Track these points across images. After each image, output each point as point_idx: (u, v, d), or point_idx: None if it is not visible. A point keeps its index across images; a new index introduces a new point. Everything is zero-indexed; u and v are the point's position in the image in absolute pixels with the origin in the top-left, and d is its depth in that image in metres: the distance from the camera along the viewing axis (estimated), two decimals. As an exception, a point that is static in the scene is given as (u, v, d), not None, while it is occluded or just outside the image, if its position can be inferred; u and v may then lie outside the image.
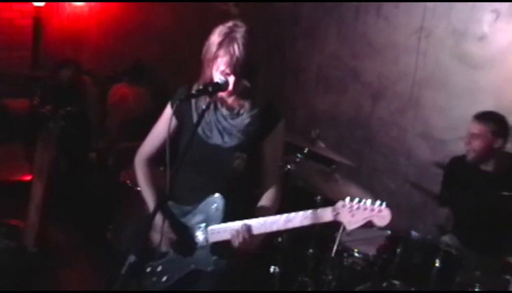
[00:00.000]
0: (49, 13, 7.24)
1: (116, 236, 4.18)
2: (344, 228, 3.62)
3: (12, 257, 3.99)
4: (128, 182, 4.17)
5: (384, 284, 3.27)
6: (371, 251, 3.57)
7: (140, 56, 6.34)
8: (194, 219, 2.48)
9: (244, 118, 2.44)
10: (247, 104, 2.44)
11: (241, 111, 2.45)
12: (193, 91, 2.37)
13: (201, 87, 2.35)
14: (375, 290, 3.30)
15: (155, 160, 2.64)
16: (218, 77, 2.34)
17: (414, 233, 3.49)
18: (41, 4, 7.01)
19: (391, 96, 4.82)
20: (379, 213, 2.13)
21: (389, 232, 3.70)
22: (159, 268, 2.54)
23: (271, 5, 5.73)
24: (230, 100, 2.45)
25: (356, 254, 3.61)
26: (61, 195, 4.63)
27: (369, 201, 2.15)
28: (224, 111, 2.46)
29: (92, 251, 4.54)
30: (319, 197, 3.73)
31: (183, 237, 2.48)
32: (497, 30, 4.15)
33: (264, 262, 3.76)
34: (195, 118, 2.44)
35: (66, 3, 7.28)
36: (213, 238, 2.42)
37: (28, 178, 4.88)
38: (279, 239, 3.80)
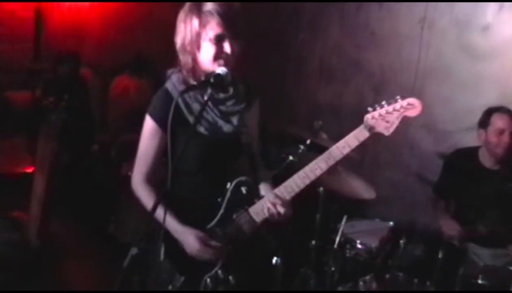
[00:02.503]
0: (50, 5, 7.20)
1: (118, 228, 4.19)
2: (347, 218, 3.66)
3: (15, 249, 3.99)
4: (130, 174, 4.16)
5: (387, 276, 3.26)
6: (374, 242, 3.57)
7: (142, 48, 6.31)
8: (230, 211, 2.38)
9: (237, 97, 2.39)
10: (235, 83, 2.38)
11: (231, 90, 2.38)
12: (194, 83, 2.32)
13: (202, 78, 2.30)
14: (378, 281, 3.28)
15: (152, 180, 2.45)
16: (219, 69, 2.26)
17: (417, 225, 3.49)
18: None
19: (393, 87, 4.80)
20: (409, 106, 2.18)
21: (392, 223, 3.70)
22: (219, 272, 2.41)
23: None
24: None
25: (359, 246, 3.60)
26: (64, 187, 4.63)
27: (392, 102, 2.19)
28: (221, 96, 2.36)
29: (94, 243, 4.54)
30: (321, 188, 3.72)
31: (230, 236, 2.38)
32: (501, 20, 4.12)
33: (267, 253, 3.75)
34: (190, 118, 2.33)
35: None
36: (260, 218, 2.35)
37: (31, 170, 4.88)
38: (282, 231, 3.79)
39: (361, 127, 2.23)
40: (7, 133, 5.81)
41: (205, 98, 2.23)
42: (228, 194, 2.38)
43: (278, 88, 5.53)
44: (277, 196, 2.31)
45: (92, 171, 5.52)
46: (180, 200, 2.32)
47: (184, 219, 2.36)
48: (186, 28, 2.29)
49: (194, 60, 2.32)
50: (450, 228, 3.58)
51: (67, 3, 7.18)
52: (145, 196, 2.44)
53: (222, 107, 2.38)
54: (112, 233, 4.21)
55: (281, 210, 2.30)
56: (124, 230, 4.11)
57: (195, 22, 2.26)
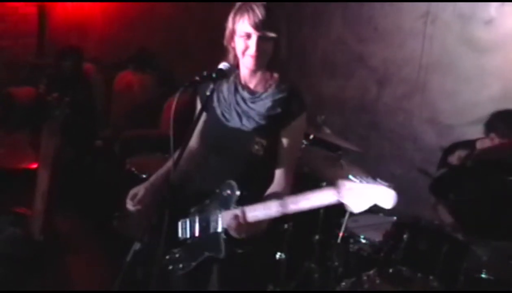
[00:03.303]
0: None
1: (122, 223, 4.19)
2: (351, 212, 3.65)
3: (19, 245, 4.00)
4: (133, 169, 4.17)
5: (391, 270, 3.26)
6: (378, 237, 3.56)
7: (145, 43, 6.31)
8: (212, 204, 2.43)
9: (266, 103, 2.39)
10: (272, 89, 2.40)
11: (264, 95, 2.41)
12: (196, 78, 2.34)
13: (205, 73, 2.33)
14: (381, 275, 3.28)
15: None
16: (222, 64, 2.33)
17: (421, 219, 3.47)
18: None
19: (397, 81, 4.79)
20: (383, 194, 1.96)
21: (395, 218, 3.69)
22: (177, 255, 2.52)
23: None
24: (253, 82, 2.44)
25: (362, 240, 3.60)
26: (68, 183, 4.63)
27: (371, 181, 1.97)
28: (245, 94, 2.42)
29: (98, 238, 4.54)
30: (324, 183, 3.71)
31: (200, 223, 2.46)
32: (504, 14, 4.10)
33: (271, 249, 3.75)
34: (215, 102, 2.46)
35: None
36: (224, 225, 2.35)
37: (35, 166, 4.88)
38: (285, 226, 3.78)
39: (333, 191, 2.02)
40: (11, 128, 5.81)
41: (207, 93, 2.31)
42: (217, 190, 2.41)
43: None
44: (235, 217, 2.25)
45: (95, 166, 5.52)
46: (184, 173, 2.45)
47: (177, 194, 2.37)
48: (227, 25, 2.41)
49: (235, 56, 2.41)
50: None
51: (70, -1, 7.18)
52: None
53: (241, 102, 2.43)
54: (115, 228, 4.21)
55: (234, 232, 2.25)
56: (128, 225, 4.11)
57: (231, 19, 2.38)
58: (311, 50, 5.41)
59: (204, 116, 2.52)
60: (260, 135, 2.38)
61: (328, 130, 3.89)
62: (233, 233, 2.26)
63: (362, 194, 1.97)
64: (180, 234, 2.52)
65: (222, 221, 2.36)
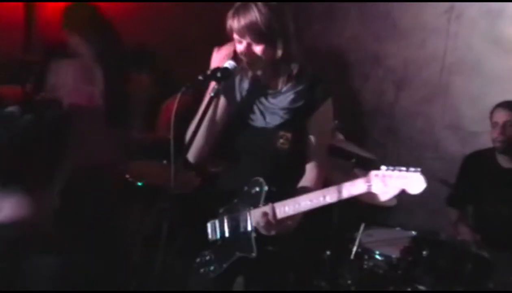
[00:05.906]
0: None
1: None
2: (365, 226, 3.65)
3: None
4: (128, 176, 4.18)
5: (409, 289, 3.25)
6: (395, 253, 3.55)
7: (143, 41, 6.32)
8: (240, 203, 2.55)
9: (288, 96, 2.51)
10: (292, 81, 2.52)
11: (284, 88, 2.52)
12: (200, 77, 2.38)
13: (209, 72, 2.38)
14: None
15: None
16: (227, 62, 2.40)
17: (442, 234, 3.47)
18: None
19: (417, 83, 4.79)
20: (412, 179, 2.12)
21: (414, 232, 3.69)
22: (208, 257, 2.63)
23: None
24: (271, 77, 2.53)
25: (378, 257, 3.59)
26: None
27: (402, 168, 2.14)
28: (265, 90, 2.54)
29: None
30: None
31: (230, 223, 2.58)
32: (536, 10, 4.12)
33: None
34: (238, 100, 2.57)
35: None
36: (254, 222, 2.47)
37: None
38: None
39: (363, 180, 2.20)
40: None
41: (212, 95, 2.39)
42: (245, 188, 2.53)
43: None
44: (265, 214, 2.40)
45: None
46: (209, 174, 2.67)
47: (205, 194, 2.72)
48: (227, 20, 2.47)
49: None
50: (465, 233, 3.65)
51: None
52: None
53: (262, 99, 2.55)
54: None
55: (263, 230, 2.39)
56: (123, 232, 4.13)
57: (230, 15, 2.44)
58: (323, 49, 5.42)
59: (223, 113, 2.59)
60: (285, 129, 2.50)
61: (341, 137, 3.90)
62: (263, 231, 2.40)
63: (389, 181, 2.12)
64: (210, 236, 2.64)
65: (251, 219, 2.47)
